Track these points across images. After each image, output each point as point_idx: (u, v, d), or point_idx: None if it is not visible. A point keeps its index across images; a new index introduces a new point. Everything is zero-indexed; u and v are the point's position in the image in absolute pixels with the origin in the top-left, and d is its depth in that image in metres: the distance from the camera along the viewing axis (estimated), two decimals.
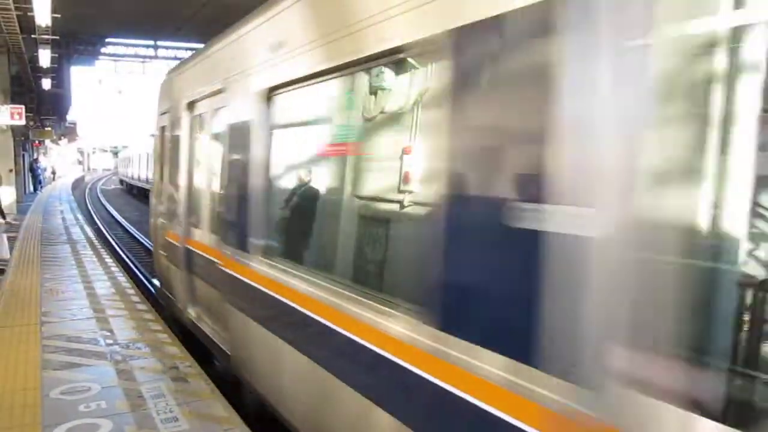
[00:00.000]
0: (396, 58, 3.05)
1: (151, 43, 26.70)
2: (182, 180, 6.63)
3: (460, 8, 2.31)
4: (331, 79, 3.66)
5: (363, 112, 4.17)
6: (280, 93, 4.19)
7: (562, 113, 1.86)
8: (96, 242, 13.56)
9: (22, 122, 22.04)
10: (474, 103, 2.29)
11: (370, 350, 2.90)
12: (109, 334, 6.20)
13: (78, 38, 24.75)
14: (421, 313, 2.52)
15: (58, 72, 25.33)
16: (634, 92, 1.69)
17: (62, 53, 23.99)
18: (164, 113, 7.81)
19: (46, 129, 36.07)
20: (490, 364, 2.13)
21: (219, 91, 5.28)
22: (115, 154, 74.61)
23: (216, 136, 5.63)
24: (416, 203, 3.64)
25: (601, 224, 1.74)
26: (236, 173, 4.88)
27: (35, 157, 39.76)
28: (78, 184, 46.05)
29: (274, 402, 4.27)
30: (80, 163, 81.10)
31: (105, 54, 27.87)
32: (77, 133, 58.28)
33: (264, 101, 4.26)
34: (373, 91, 3.98)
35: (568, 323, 1.84)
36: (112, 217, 25.46)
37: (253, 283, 4.43)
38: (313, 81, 3.76)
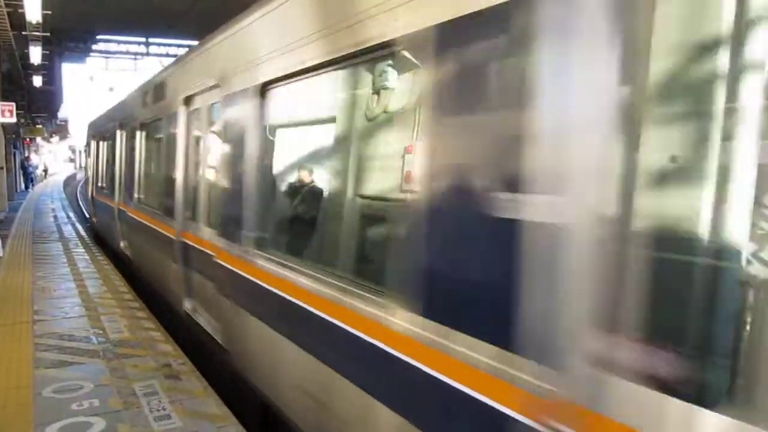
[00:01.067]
0: None
1: (143, 40, 26.57)
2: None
3: None
4: None
5: None
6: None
7: None
8: (88, 240, 13.50)
9: (13, 120, 21.84)
10: None
11: None
12: (101, 332, 6.18)
13: (69, 35, 24.58)
14: None
15: (49, 69, 25.17)
16: None
17: (53, 50, 23.81)
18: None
19: (37, 126, 35.88)
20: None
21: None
22: None
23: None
24: None
25: None
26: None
27: (26, 155, 39.51)
28: (69, 182, 45.75)
29: None
30: (72, 160, 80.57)
31: (96, 51, 27.71)
32: (68, 130, 57.89)
33: None
34: None
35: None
36: None
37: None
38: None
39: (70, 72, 38.61)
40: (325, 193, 4.74)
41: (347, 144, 4.42)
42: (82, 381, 4.76)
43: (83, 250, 11.83)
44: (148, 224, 8.06)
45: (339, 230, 4.32)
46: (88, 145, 18.30)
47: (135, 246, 9.46)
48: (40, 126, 36.79)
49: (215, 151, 5.48)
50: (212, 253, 5.19)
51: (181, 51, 18.75)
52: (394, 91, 3.68)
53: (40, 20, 14.72)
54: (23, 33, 16.70)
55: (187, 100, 6.36)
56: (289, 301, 3.74)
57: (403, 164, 3.34)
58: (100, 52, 27.94)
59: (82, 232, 14.93)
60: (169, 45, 26.41)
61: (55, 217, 18.89)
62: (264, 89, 4.27)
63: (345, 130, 4.46)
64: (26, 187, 34.17)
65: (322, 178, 4.83)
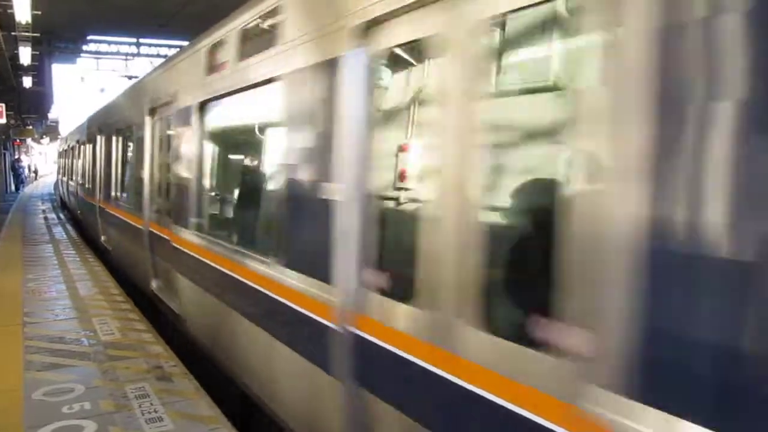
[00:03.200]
0: None
1: (134, 40, 26.43)
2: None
3: None
4: None
5: None
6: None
7: None
8: (79, 241, 13.43)
9: (3, 121, 21.78)
10: None
11: None
12: (92, 334, 6.15)
13: (59, 36, 24.42)
14: None
15: (39, 70, 24.98)
16: None
17: (43, 51, 23.65)
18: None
19: (27, 127, 35.61)
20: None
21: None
22: None
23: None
24: None
25: None
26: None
27: (17, 156, 39.26)
28: None
29: None
30: None
31: (87, 52, 27.53)
32: (59, 131, 57.55)
33: None
34: None
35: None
36: None
37: None
38: None
39: (60, 73, 38.42)
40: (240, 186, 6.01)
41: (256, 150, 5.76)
42: (73, 384, 4.74)
43: (74, 252, 11.77)
44: (124, 218, 9.21)
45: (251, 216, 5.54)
46: (63, 152, 23.53)
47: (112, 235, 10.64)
48: (31, 127, 36.52)
49: (170, 153, 6.57)
50: (169, 238, 6.21)
51: (172, 51, 18.72)
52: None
53: (30, 20, 14.62)
54: (12, 33, 16.59)
55: (152, 111, 7.51)
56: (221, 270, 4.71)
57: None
58: (91, 52, 27.73)
59: (72, 233, 14.87)
60: (160, 45, 26.28)
61: (46, 218, 18.78)
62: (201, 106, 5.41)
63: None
64: (16, 189, 33.96)
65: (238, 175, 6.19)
